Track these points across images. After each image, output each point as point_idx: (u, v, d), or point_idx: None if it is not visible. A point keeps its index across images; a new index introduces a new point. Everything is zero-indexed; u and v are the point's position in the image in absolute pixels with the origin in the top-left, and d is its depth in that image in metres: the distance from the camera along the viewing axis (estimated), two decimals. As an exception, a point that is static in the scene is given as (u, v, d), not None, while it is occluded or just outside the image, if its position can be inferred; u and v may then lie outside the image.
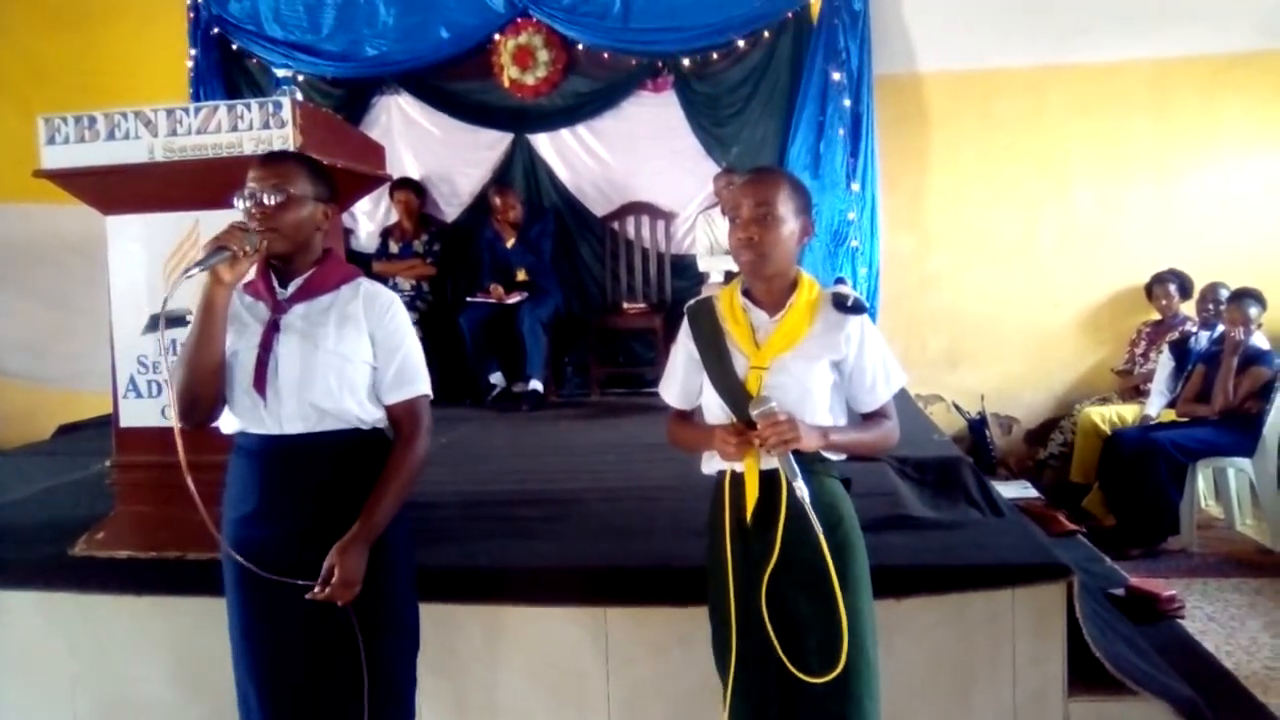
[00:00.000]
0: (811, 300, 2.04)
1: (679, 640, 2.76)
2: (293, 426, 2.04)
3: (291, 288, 2.10)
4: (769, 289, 2.06)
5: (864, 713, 1.99)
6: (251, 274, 2.09)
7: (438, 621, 2.52)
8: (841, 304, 2.05)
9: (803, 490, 1.90)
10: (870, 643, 2.03)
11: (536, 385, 5.75)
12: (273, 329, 2.05)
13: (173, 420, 3.06)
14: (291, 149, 2.92)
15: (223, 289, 1.96)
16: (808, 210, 2.07)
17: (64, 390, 6.74)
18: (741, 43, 6.07)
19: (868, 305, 2.13)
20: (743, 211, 2.00)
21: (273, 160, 2.12)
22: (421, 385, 2.16)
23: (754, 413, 1.92)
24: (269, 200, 2.03)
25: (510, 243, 6.05)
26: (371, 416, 2.12)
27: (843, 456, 2.10)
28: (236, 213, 2.95)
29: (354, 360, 2.07)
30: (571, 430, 5.17)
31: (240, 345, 2.04)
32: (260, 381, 2.02)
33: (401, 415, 2.14)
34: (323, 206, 2.11)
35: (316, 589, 1.97)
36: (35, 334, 6.91)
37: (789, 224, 2.00)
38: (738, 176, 2.12)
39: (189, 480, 1.93)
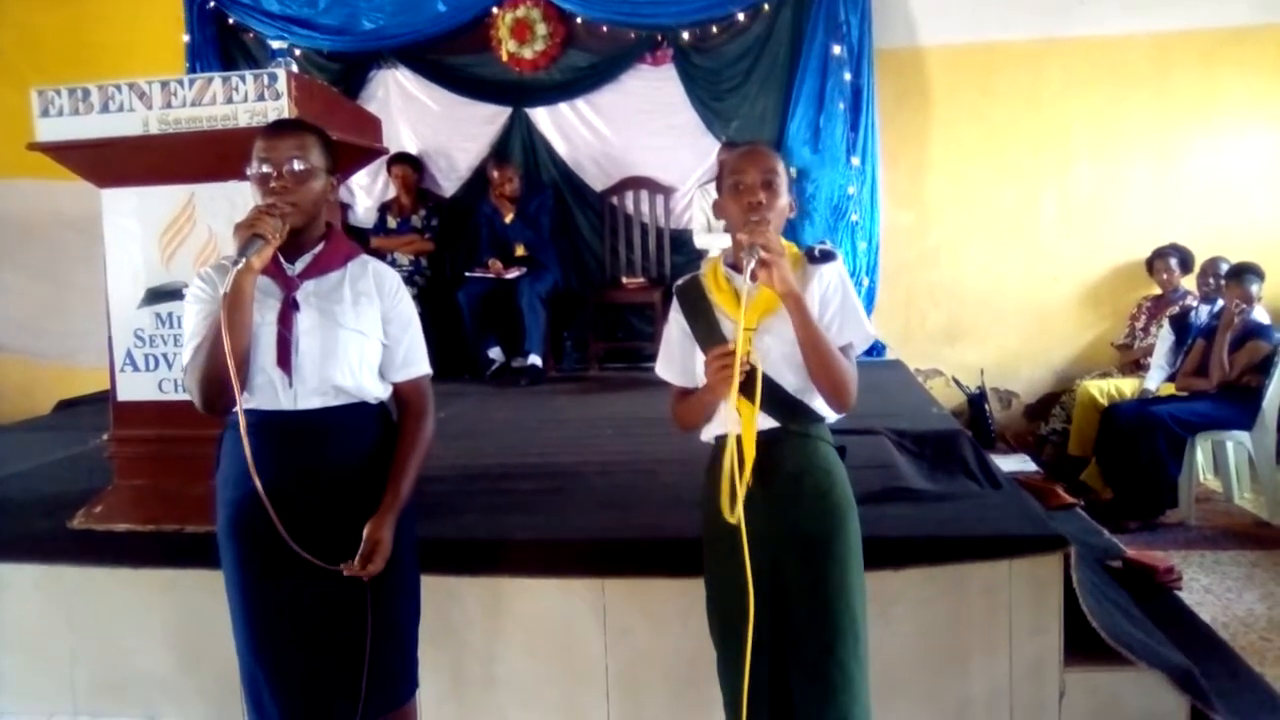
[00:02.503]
0: (790, 260, 2.04)
1: (676, 611, 2.77)
2: (308, 403, 2.03)
3: (300, 264, 2.07)
4: None
5: (850, 679, 2.00)
6: None
7: (436, 593, 2.52)
8: (811, 256, 2.09)
9: (747, 282, 1.89)
10: (859, 610, 2.05)
11: (535, 360, 5.74)
12: (291, 306, 2.02)
13: (170, 394, 3.11)
14: (289, 118, 2.90)
15: (252, 275, 1.92)
16: (792, 189, 2.11)
17: (60, 365, 6.76)
18: (741, 16, 6.02)
19: (838, 253, 2.13)
20: (747, 179, 2.01)
21: (289, 130, 2.08)
22: (427, 364, 2.20)
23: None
24: (295, 169, 2.00)
25: (509, 218, 6.03)
26: (380, 392, 2.12)
27: (831, 416, 2.10)
28: (231, 185, 3.02)
29: (371, 337, 2.08)
30: (570, 405, 5.17)
31: (259, 324, 1.99)
32: (285, 360, 2.00)
33: (411, 393, 2.16)
34: (330, 178, 2.09)
35: (356, 563, 1.97)
36: (31, 310, 6.91)
37: (785, 195, 2.04)
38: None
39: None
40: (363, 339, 2.06)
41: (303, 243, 2.07)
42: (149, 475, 3.15)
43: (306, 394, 2.02)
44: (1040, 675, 2.74)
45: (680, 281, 2.20)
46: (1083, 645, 2.72)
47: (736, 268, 2.05)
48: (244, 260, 1.88)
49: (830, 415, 2.10)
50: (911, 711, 2.74)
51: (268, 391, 2.02)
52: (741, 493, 1.92)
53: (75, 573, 3.09)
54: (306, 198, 2.01)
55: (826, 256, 2.09)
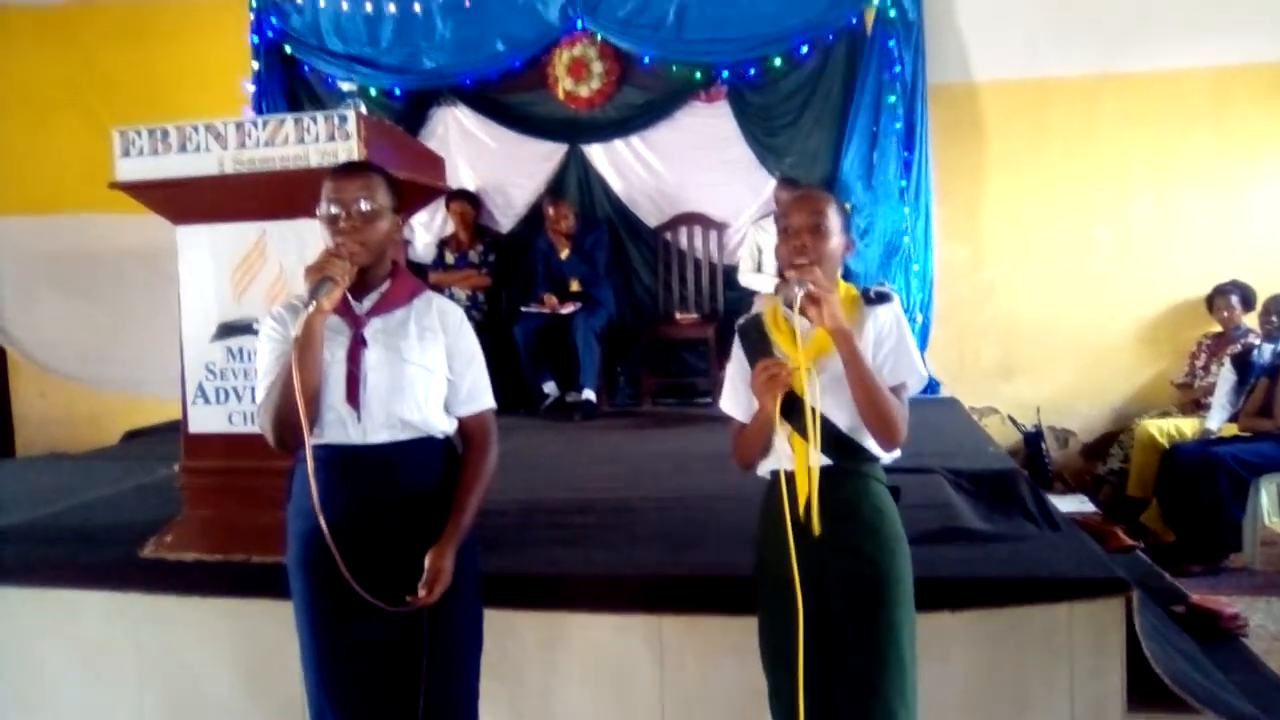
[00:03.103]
0: (846, 301, 2.11)
1: (732, 648, 2.77)
2: (377, 437, 2.08)
3: (368, 301, 2.13)
4: None
5: (892, 712, 2.02)
6: None
7: (494, 626, 2.54)
8: (866, 297, 2.14)
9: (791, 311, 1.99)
10: (908, 650, 2.07)
11: (589, 395, 5.80)
12: (359, 343, 2.08)
13: (239, 427, 3.19)
14: (357, 160, 2.99)
15: (322, 317, 1.99)
16: (848, 229, 2.18)
17: (127, 396, 6.92)
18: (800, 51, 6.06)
19: (894, 295, 2.18)
20: (794, 222, 2.09)
21: (356, 171, 2.14)
22: (491, 399, 2.24)
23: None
24: (363, 209, 2.06)
25: (564, 253, 6.11)
26: (446, 426, 2.17)
27: (885, 458, 2.11)
28: (301, 223, 3.11)
29: (436, 372, 2.13)
30: (624, 440, 5.20)
31: (328, 361, 2.05)
32: (353, 396, 2.06)
33: (475, 427, 2.21)
34: (396, 218, 2.16)
35: (421, 592, 2.01)
36: (99, 341, 7.08)
37: (836, 237, 2.10)
38: (795, 189, 2.17)
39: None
40: (428, 374, 2.11)
41: (370, 281, 2.13)
42: (218, 506, 3.23)
43: (375, 429, 2.08)
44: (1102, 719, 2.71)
45: (742, 320, 2.28)
46: (1146, 691, 2.68)
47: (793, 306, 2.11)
48: (315, 303, 1.94)
49: (883, 455, 2.13)
50: (969, 755, 2.72)
51: (337, 427, 2.07)
52: (813, 524, 1.99)
53: (145, 600, 3.17)
54: (373, 237, 2.08)
55: (883, 298, 2.14)
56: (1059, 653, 2.71)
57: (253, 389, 3.20)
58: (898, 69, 5.87)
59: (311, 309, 1.94)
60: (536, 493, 3.88)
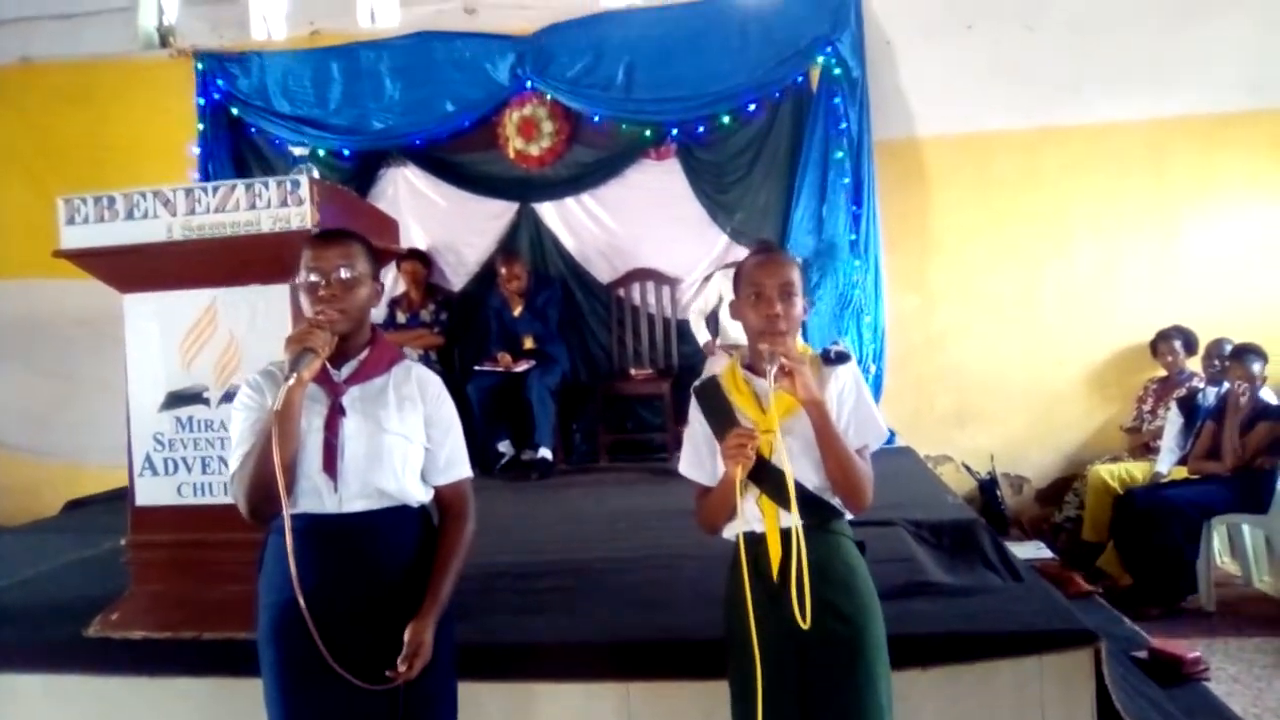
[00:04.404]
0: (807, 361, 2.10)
1: (701, 714, 2.73)
2: (352, 506, 2.04)
3: (346, 369, 2.10)
4: None
5: None
6: None
7: (459, 698, 2.49)
8: (826, 358, 2.15)
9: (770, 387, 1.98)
10: (886, 703, 2.06)
11: (545, 453, 5.74)
12: (338, 411, 2.05)
13: (189, 499, 3.11)
14: (309, 226, 2.96)
15: (301, 388, 1.96)
16: (806, 289, 2.18)
17: (68, 464, 6.73)
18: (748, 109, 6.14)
19: (851, 354, 2.22)
20: (766, 290, 2.07)
21: (336, 239, 2.12)
22: (468, 468, 2.23)
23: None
24: (343, 277, 2.04)
25: (517, 311, 6.09)
26: (423, 496, 2.14)
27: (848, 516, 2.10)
28: (253, 289, 3.07)
29: (414, 441, 2.10)
30: (582, 498, 5.15)
31: (305, 429, 2.02)
32: (330, 465, 2.02)
33: (453, 496, 2.19)
34: (375, 285, 2.14)
35: (401, 667, 1.96)
36: (39, 407, 6.92)
37: (800, 303, 2.10)
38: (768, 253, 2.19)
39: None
40: (406, 443, 2.08)
41: (348, 349, 2.10)
42: (166, 581, 3.14)
43: (350, 497, 2.04)
44: (1075, 773, 2.69)
45: (698, 383, 2.26)
46: (1117, 742, 2.68)
47: (754, 370, 2.10)
48: (295, 375, 1.91)
49: (848, 512, 2.13)
50: (944, 813, 2.69)
51: (312, 496, 2.03)
52: (797, 590, 1.96)
53: (91, 682, 3.05)
54: (354, 304, 2.06)
55: (841, 358, 2.15)
56: (1030, 705, 2.71)
57: (203, 459, 3.14)
58: (844, 125, 5.97)
59: (292, 381, 1.91)
60: (496, 556, 3.79)
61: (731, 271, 5.74)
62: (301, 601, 1.91)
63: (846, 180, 5.97)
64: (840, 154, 5.97)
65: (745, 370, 2.15)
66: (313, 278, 2.05)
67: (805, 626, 1.94)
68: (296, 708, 2.04)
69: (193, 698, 2.99)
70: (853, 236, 6.00)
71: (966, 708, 2.73)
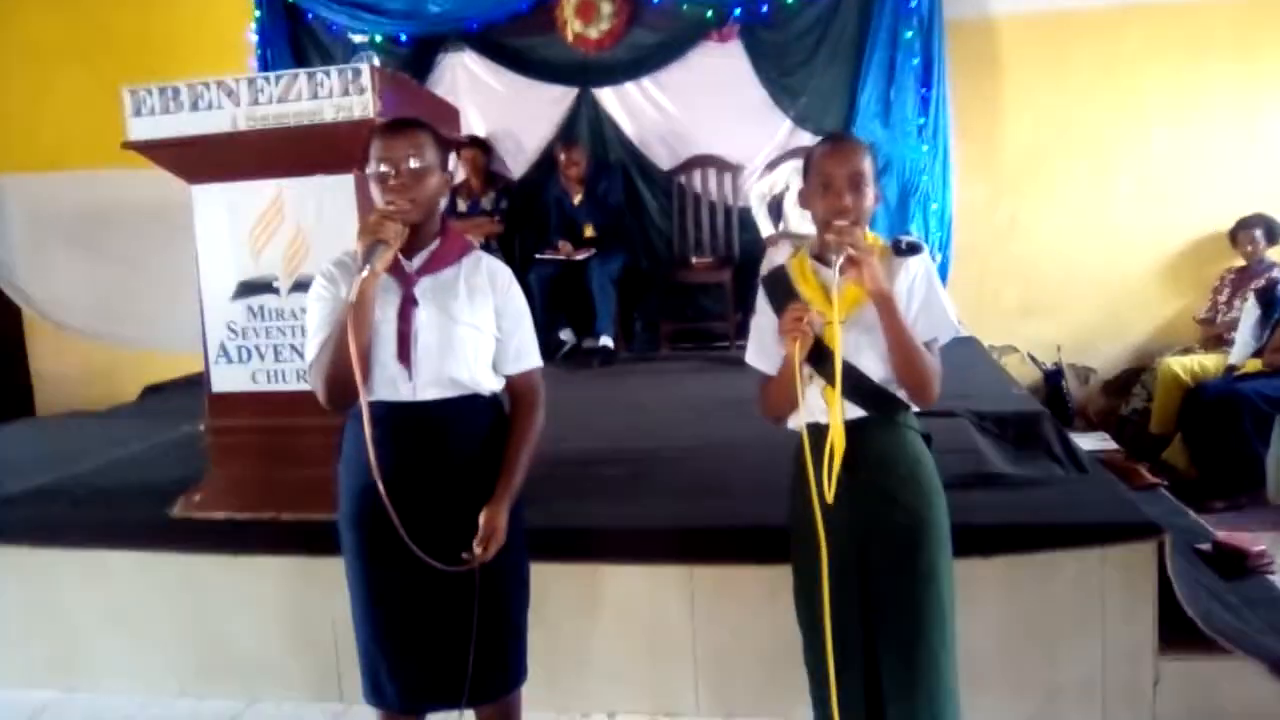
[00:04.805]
0: (876, 254, 2.05)
1: (763, 597, 2.80)
2: (426, 394, 2.07)
3: (418, 260, 2.10)
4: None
5: (939, 665, 2.03)
6: None
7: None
8: (897, 248, 2.09)
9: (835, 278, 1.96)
10: (948, 597, 2.07)
11: (607, 341, 5.78)
12: (410, 302, 2.06)
13: (263, 385, 3.20)
14: (372, 115, 2.95)
15: (375, 279, 1.97)
16: (877, 179, 2.11)
17: (141, 351, 6.92)
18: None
19: (924, 245, 2.13)
20: (834, 176, 2.01)
21: (405, 128, 2.09)
22: (538, 358, 2.23)
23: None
24: (413, 166, 2.03)
25: (577, 199, 6.05)
26: (494, 385, 2.17)
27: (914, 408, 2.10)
28: (318, 180, 3.08)
29: (485, 332, 2.11)
30: (643, 387, 5.18)
31: (379, 319, 2.04)
32: (405, 354, 2.05)
33: (523, 385, 2.20)
34: (445, 174, 2.13)
35: (477, 550, 2.02)
36: (113, 297, 7.06)
37: (872, 189, 2.04)
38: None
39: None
40: (477, 333, 2.10)
41: (419, 239, 2.10)
42: (244, 464, 3.24)
43: (425, 386, 2.07)
44: (1134, 663, 2.72)
45: (766, 273, 2.23)
46: (1177, 632, 2.69)
47: (822, 260, 2.07)
48: (369, 267, 1.93)
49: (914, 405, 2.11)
50: (1000, 698, 2.73)
51: (387, 385, 2.07)
52: (831, 484, 1.97)
53: (176, 559, 3.20)
54: (423, 194, 2.05)
55: (913, 249, 2.09)
56: (1091, 597, 2.72)
57: (275, 347, 3.20)
58: (914, 3, 5.74)
59: (366, 273, 1.93)
60: (560, 443, 3.84)
61: (799, 161, 5.67)
62: (382, 488, 1.96)
63: (915, 61, 5.78)
64: (909, 33, 5.76)
65: (813, 260, 2.11)
66: (383, 168, 2.04)
67: (829, 501, 1.97)
68: (378, 587, 2.12)
69: (274, 575, 3.13)
70: (921, 121, 5.84)
71: (1028, 597, 2.75)
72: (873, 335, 2.02)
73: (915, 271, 2.07)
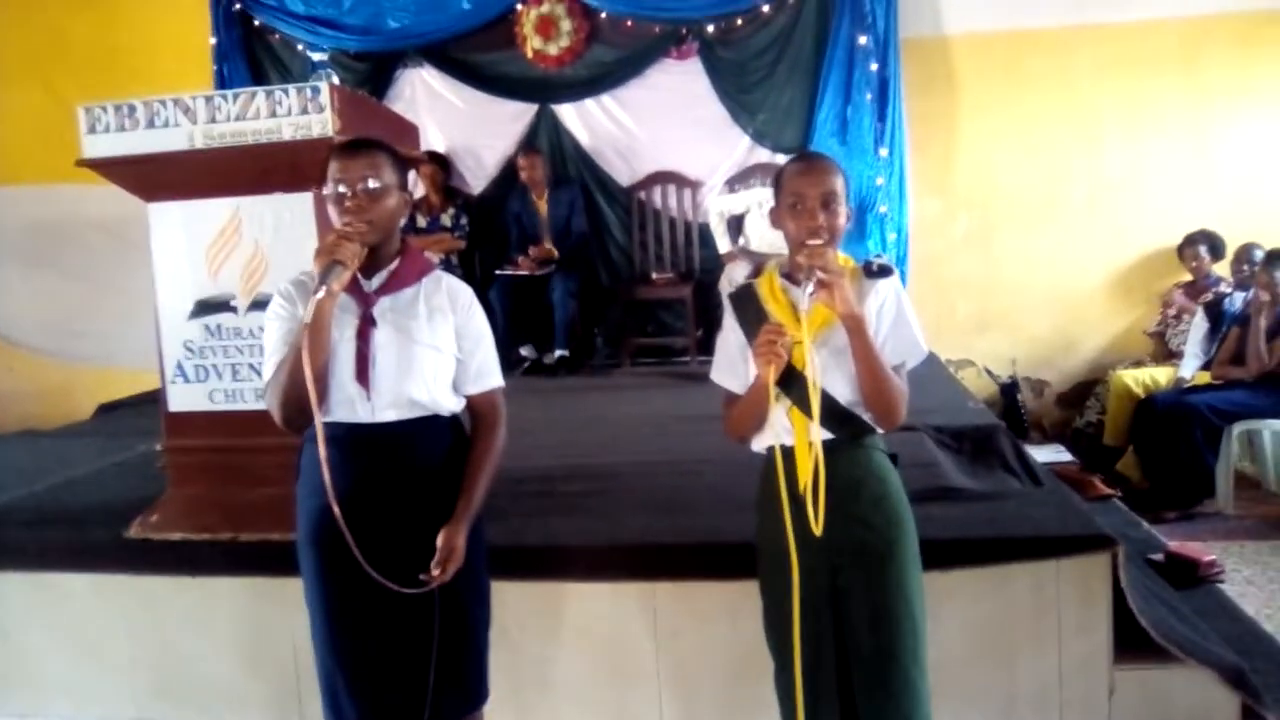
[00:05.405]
0: (848, 275, 2.05)
1: (726, 613, 2.81)
2: (385, 416, 2.07)
3: (377, 280, 2.11)
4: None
5: (913, 686, 2.03)
6: None
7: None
8: (869, 270, 2.10)
9: (805, 300, 1.92)
10: (920, 616, 2.07)
11: (562, 351, 5.81)
12: (368, 322, 2.06)
13: (221, 404, 3.17)
14: (330, 134, 2.94)
15: (332, 300, 1.97)
16: (849, 198, 2.10)
17: (98, 368, 6.83)
18: (766, 7, 6.01)
19: (894, 268, 2.14)
20: (807, 200, 2.00)
21: (362, 149, 2.09)
22: (499, 378, 2.24)
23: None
24: (369, 187, 2.03)
25: (540, 205, 6.08)
26: (454, 405, 2.17)
27: (880, 432, 2.11)
28: (276, 198, 3.06)
29: (445, 352, 2.12)
30: (605, 403, 5.19)
31: (337, 339, 2.04)
32: (363, 375, 2.05)
33: (484, 405, 2.21)
34: (403, 195, 2.13)
35: (435, 571, 2.02)
36: (68, 313, 6.97)
37: (843, 213, 2.03)
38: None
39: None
40: (437, 354, 2.10)
41: (379, 259, 2.10)
42: (202, 484, 3.20)
43: (383, 407, 2.07)
44: (1089, 673, 2.75)
45: (733, 289, 2.22)
46: (1131, 642, 2.73)
47: (792, 279, 2.08)
48: (325, 288, 1.92)
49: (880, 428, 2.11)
50: (960, 709, 2.74)
51: (345, 405, 2.06)
52: (819, 515, 1.94)
53: (133, 581, 3.15)
54: (381, 215, 2.05)
55: (884, 271, 2.10)
56: (1047, 609, 2.75)
57: (233, 366, 3.17)
58: (870, 22, 5.84)
59: (321, 294, 1.92)
60: (524, 460, 3.84)
61: (762, 187, 5.70)
62: (337, 511, 1.95)
63: (872, 79, 5.86)
64: (866, 52, 5.86)
65: (783, 279, 2.11)
66: (340, 189, 2.04)
67: (817, 533, 1.94)
68: (337, 608, 2.11)
69: (233, 596, 3.08)
70: (877, 138, 5.91)
71: (985, 608, 2.78)
72: (841, 358, 2.01)
73: (885, 294, 2.07)
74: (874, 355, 1.98)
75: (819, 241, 1.97)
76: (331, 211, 2.07)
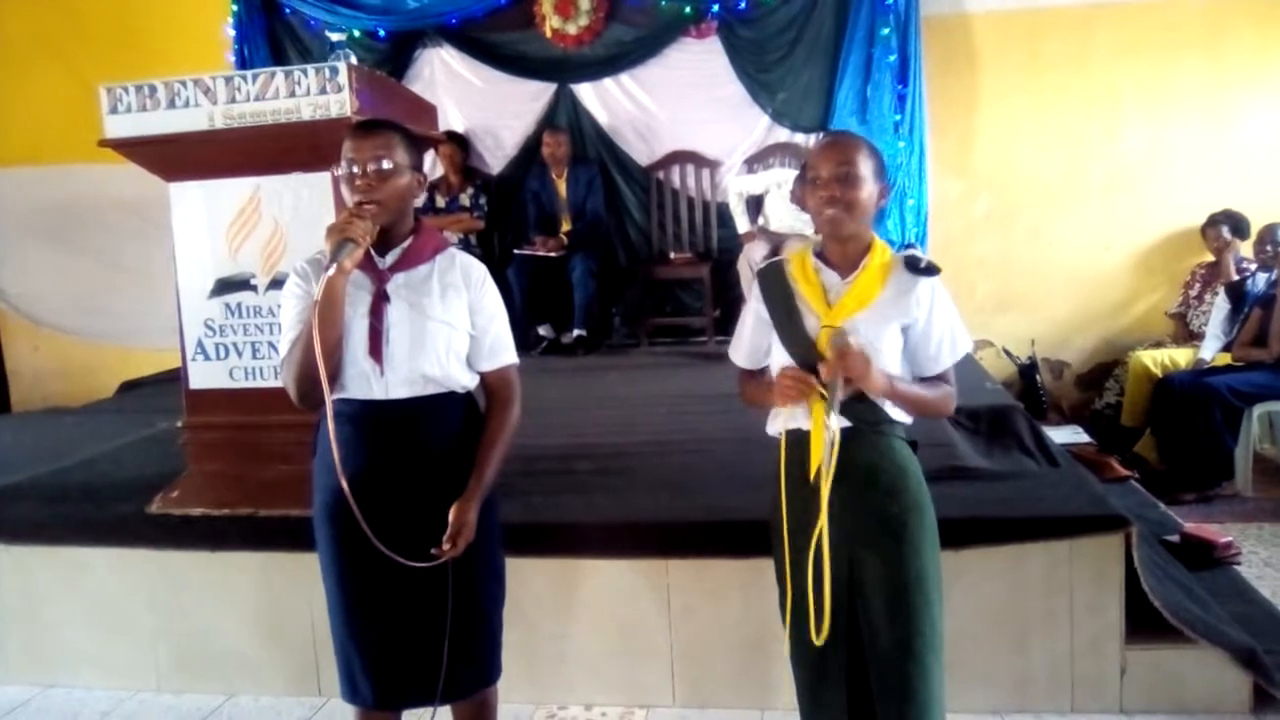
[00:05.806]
0: (885, 263, 2.05)
1: (738, 590, 2.84)
2: (398, 392, 2.09)
3: (390, 257, 2.12)
4: (844, 251, 2.06)
5: (927, 671, 2.02)
6: None
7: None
8: (914, 266, 2.06)
9: (833, 427, 1.92)
10: (936, 602, 2.05)
11: (580, 331, 5.83)
12: (382, 299, 2.08)
13: (241, 382, 3.20)
14: (349, 114, 2.96)
15: (344, 277, 1.98)
16: (883, 174, 2.07)
17: (120, 346, 6.89)
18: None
19: (940, 269, 2.08)
20: (823, 172, 2.00)
21: (374, 130, 2.11)
22: (513, 354, 2.25)
23: (834, 340, 1.94)
24: (380, 168, 2.04)
25: (561, 184, 6.09)
26: (468, 382, 2.18)
27: (907, 420, 2.11)
28: (295, 177, 3.09)
29: (458, 328, 2.13)
30: (621, 382, 5.20)
31: (351, 316, 2.06)
32: (376, 350, 2.06)
33: (498, 382, 2.22)
34: (416, 174, 2.14)
35: (445, 545, 2.04)
36: (90, 292, 7.04)
37: (868, 185, 2.01)
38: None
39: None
40: (450, 330, 2.11)
41: (392, 237, 2.12)
42: (222, 461, 3.25)
43: (397, 383, 2.08)
44: (1101, 652, 2.77)
45: (764, 265, 2.20)
46: (1144, 622, 2.74)
47: (825, 259, 2.08)
48: (336, 265, 1.94)
49: (905, 417, 2.10)
50: (970, 688, 2.76)
51: (360, 382, 2.08)
52: (825, 487, 1.94)
53: (154, 555, 3.21)
54: (392, 195, 2.07)
55: (930, 270, 2.06)
56: (1060, 587, 2.77)
57: (253, 344, 3.21)
58: (890, 1, 5.78)
59: (333, 271, 1.94)
60: (540, 439, 3.86)
61: (781, 169, 5.66)
62: (345, 488, 1.97)
63: (892, 58, 5.84)
64: (886, 31, 5.82)
65: (816, 258, 2.10)
66: (351, 169, 2.05)
67: (822, 524, 1.94)
68: (353, 584, 2.13)
69: (251, 570, 3.14)
70: (897, 117, 5.89)
71: (998, 587, 2.79)
72: (867, 343, 1.98)
73: (935, 299, 2.05)
74: (913, 398, 2.04)
75: (834, 210, 1.98)
76: (344, 191, 2.09)
